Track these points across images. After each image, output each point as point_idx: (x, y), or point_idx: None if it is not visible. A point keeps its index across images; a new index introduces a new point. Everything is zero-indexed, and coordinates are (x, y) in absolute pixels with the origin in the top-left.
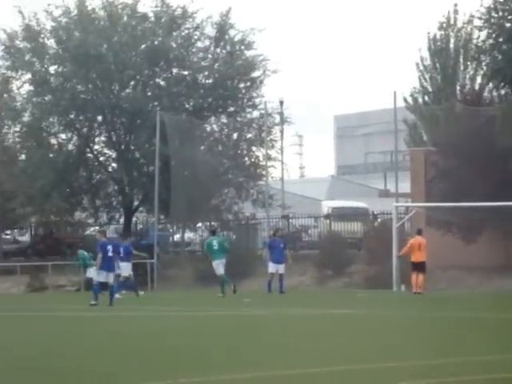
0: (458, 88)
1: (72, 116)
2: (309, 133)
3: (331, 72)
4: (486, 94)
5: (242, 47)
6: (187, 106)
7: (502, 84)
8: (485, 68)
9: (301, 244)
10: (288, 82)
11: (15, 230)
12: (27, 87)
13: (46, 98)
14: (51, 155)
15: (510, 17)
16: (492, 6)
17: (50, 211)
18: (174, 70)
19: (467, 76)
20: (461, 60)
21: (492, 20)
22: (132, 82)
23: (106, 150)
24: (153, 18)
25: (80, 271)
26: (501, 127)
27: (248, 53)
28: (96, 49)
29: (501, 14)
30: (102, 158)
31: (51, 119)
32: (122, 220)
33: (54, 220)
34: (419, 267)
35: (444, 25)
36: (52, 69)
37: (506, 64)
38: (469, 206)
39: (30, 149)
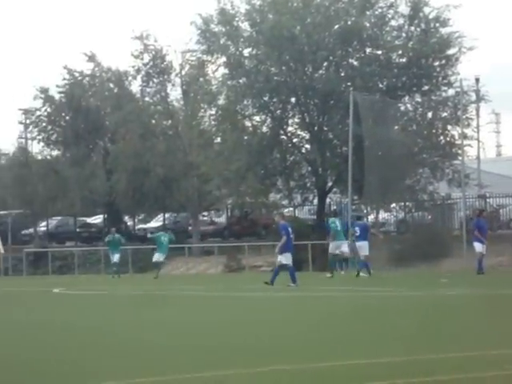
0: None
1: (266, 98)
2: (507, 110)
3: None
4: None
5: (437, 24)
6: (380, 85)
7: None
8: None
9: (498, 224)
10: (485, 59)
11: (212, 212)
12: (222, 70)
13: (241, 81)
14: (246, 138)
15: None
16: None
17: (246, 193)
18: (367, 50)
19: None
20: None
21: None
22: (325, 63)
23: (299, 132)
24: None
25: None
26: None
27: (443, 30)
28: (289, 30)
29: None
30: (295, 140)
31: (245, 102)
32: (315, 201)
33: (249, 202)
34: None
35: None
36: (246, 52)
37: None
38: None
39: (225, 131)
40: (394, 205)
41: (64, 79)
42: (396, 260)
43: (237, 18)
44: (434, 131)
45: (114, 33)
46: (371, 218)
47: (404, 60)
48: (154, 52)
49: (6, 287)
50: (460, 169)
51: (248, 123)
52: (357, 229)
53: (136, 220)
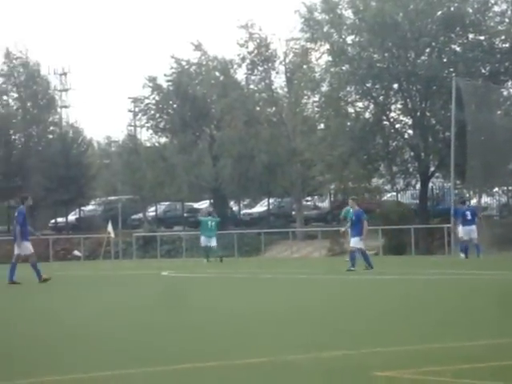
0: None
1: (368, 85)
2: None
3: None
4: None
5: None
6: (483, 70)
7: None
8: None
9: None
10: None
11: (315, 197)
12: (325, 58)
13: (344, 68)
14: (349, 124)
15: None
16: None
17: (348, 178)
18: (470, 36)
19: None
20: None
21: None
22: (427, 49)
23: (401, 118)
24: None
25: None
26: None
27: None
28: (392, 17)
29: None
30: (397, 126)
31: (348, 88)
32: (417, 186)
33: (351, 186)
34: None
35: None
36: (349, 39)
37: None
38: None
39: (328, 118)
40: (496, 189)
41: (172, 68)
42: (498, 243)
43: (340, 6)
44: None
45: (220, 22)
46: (473, 202)
47: (507, 45)
48: (258, 40)
49: (118, 270)
50: None
51: (351, 109)
52: (468, 213)
53: (241, 205)
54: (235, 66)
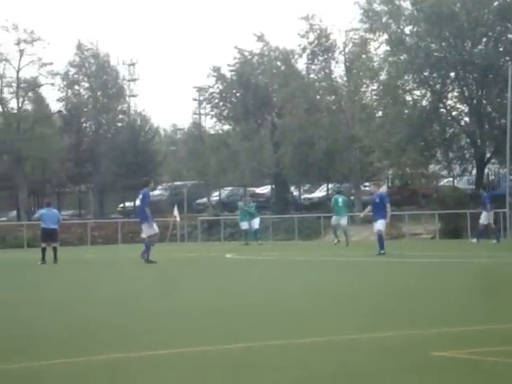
0: None
1: (426, 73)
2: None
3: None
4: None
5: None
6: None
7: None
8: None
9: None
10: None
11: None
12: (384, 48)
13: (402, 57)
14: (406, 111)
15: None
16: None
17: (406, 164)
18: None
19: None
20: None
21: None
22: (484, 39)
23: (458, 105)
24: None
25: (435, 220)
26: None
27: None
28: (449, 8)
29: None
30: (454, 113)
31: (406, 77)
32: (474, 172)
33: (409, 172)
34: None
35: None
36: (407, 29)
37: None
38: None
39: (386, 106)
40: None
41: (235, 58)
42: None
43: None
44: None
45: (282, 14)
46: None
47: None
48: (319, 31)
49: (185, 252)
50: None
51: (408, 97)
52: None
53: (301, 190)
54: (296, 56)
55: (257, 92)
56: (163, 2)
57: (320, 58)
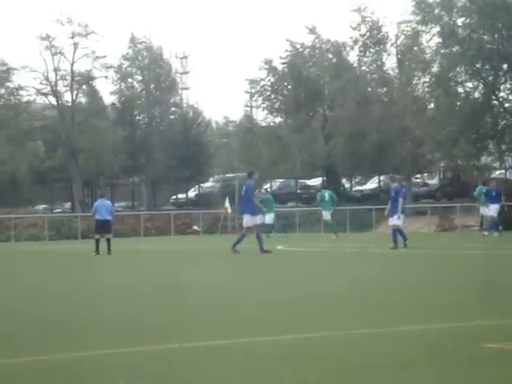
0: None
1: (478, 65)
2: None
3: None
4: None
5: None
6: None
7: None
8: None
9: None
10: None
11: (424, 174)
12: (436, 40)
13: (454, 49)
14: (458, 103)
15: None
16: None
17: (457, 156)
18: None
19: None
20: None
21: None
22: None
23: (510, 97)
24: None
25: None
26: None
27: None
28: None
29: None
30: (507, 105)
31: (458, 69)
32: None
33: (460, 164)
34: None
35: None
36: (459, 21)
37: None
38: None
39: (438, 98)
40: None
41: (287, 51)
42: None
43: None
44: None
45: (334, 6)
46: None
47: None
48: (370, 23)
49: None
50: None
51: (460, 89)
52: (493, 192)
53: (353, 182)
54: (348, 49)
55: (308, 84)
56: None
57: (372, 50)
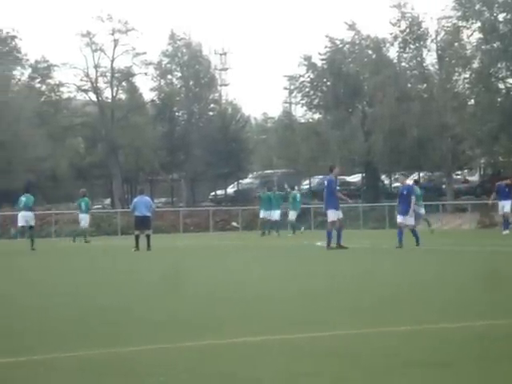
0: None
1: None
2: None
3: None
4: None
5: None
6: None
7: None
8: None
9: None
10: None
11: (465, 171)
12: (476, 35)
13: (495, 45)
14: (499, 99)
15: None
16: None
17: (498, 153)
18: None
19: None
20: None
21: None
22: None
23: None
24: None
25: None
26: None
27: None
28: None
29: None
30: None
31: (499, 65)
32: None
33: (501, 161)
34: None
35: None
36: (501, 16)
37: None
38: None
39: (478, 94)
40: None
41: (326, 47)
42: None
43: None
44: None
45: (373, 2)
46: None
47: None
48: (410, 19)
49: (275, 240)
50: None
51: (501, 85)
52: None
53: (392, 178)
54: (387, 45)
55: (347, 80)
56: None
57: (412, 46)
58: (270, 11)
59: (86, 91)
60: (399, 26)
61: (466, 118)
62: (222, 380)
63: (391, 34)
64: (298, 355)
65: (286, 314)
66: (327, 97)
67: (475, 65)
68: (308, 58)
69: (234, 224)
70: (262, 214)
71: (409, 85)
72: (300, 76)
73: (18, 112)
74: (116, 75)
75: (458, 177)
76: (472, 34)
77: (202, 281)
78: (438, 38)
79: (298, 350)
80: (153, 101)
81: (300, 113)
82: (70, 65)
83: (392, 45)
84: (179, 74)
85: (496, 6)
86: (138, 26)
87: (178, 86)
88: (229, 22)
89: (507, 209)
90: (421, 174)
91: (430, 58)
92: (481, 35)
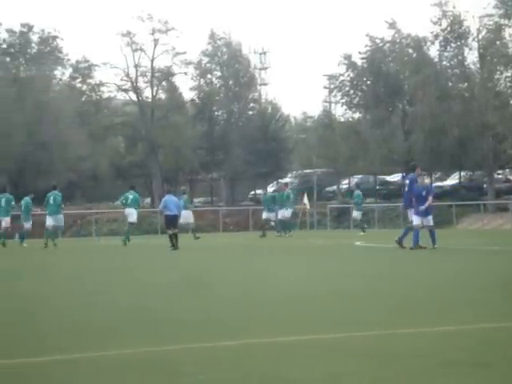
0: None
1: None
2: None
3: None
4: None
5: None
6: None
7: None
8: None
9: None
10: None
11: (506, 170)
12: None
13: None
14: None
15: None
16: None
17: None
18: None
19: None
20: None
21: None
22: None
23: None
24: None
25: None
26: None
27: None
28: None
29: None
30: None
31: None
32: None
33: None
34: None
35: None
36: None
37: None
38: None
39: None
40: None
41: (366, 46)
42: None
43: None
44: None
45: (414, 1)
46: None
47: None
48: (452, 18)
49: (314, 239)
50: None
51: None
52: None
53: (433, 178)
54: (428, 43)
55: (388, 79)
56: None
57: (453, 44)
58: (309, 10)
59: (126, 91)
60: (440, 25)
61: (508, 117)
62: (261, 379)
63: (432, 32)
64: (335, 355)
65: (320, 315)
66: (367, 96)
67: None
68: (348, 57)
69: (273, 223)
70: (265, 215)
71: (450, 84)
72: (340, 75)
73: (59, 112)
74: (156, 75)
75: (500, 176)
76: None
77: (236, 280)
78: (480, 37)
79: (335, 350)
80: (192, 100)
81: (340, 112)
82: (110, 64)
83: (433, 43)
84: (219, 74)
85: None
86: (178, 25)
87: (218, 85)
88: (269, 21)
89: None
90: (462, 174)
91: (472, 57)
92: None
